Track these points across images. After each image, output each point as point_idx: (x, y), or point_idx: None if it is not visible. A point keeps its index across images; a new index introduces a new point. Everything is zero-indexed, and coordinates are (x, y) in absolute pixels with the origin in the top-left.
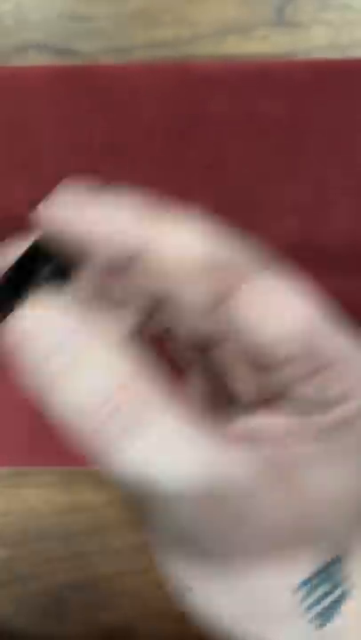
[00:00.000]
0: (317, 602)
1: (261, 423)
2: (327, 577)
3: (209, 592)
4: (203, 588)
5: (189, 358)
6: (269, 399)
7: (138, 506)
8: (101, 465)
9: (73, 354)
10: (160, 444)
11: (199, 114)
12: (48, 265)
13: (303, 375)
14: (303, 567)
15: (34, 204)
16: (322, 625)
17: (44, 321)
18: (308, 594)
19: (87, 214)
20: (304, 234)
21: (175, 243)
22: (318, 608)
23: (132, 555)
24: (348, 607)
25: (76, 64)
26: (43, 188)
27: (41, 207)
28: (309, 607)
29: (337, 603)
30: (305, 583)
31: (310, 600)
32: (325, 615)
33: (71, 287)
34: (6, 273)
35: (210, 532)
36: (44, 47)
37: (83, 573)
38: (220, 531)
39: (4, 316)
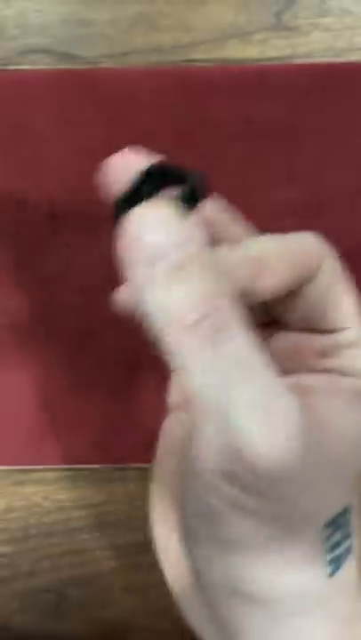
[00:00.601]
0: (334, 547)
1: (310, 378)
2: (343, 524)
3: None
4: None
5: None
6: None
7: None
8: (176, 369)
9: (184, 257)
10: (249, 352)
11: (198, 118)
12: (178, 186)
13: (344, 345)
14: (332, 506)
15: (35, 207)
16: (332, 573)
17: (167, 219)
18: (331, 535)
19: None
20: None
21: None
22: (333, 554)
23: (134, 552)
24: (350, 560)
25: (77, 68)
26: (44, 191)
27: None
28: (329, 550)
29: (346, 553)
30: (329, 524)
31: (331, 542)
32: (337, 563)
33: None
34: (140, 178)
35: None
36: (46, 51)
37: (84, 570)
38: (291, 456)
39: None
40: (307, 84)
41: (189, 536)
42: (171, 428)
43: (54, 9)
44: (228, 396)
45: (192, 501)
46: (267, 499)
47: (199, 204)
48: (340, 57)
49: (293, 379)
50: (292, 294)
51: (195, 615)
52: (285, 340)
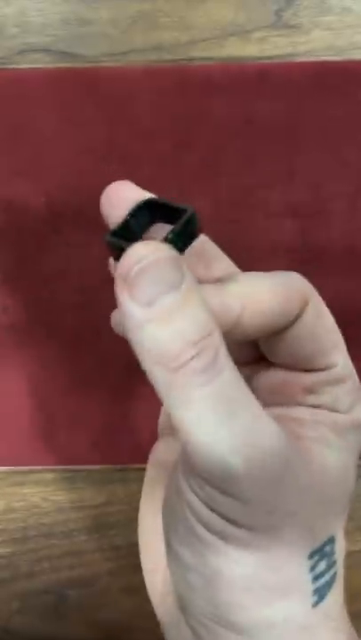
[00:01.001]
0: (318, 576)
1: (277, 411)
2: (327, 553)
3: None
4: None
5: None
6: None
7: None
8: (172, 404)
9: (176, 298)
10: (231, 390)
11: (199, 116)
12: (173, 223)
13: (330, 382)
14: (317, 536)
15: (35, 206)
16: (316, 603)
17: (160, 260)
18: (315, 565)
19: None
20: (302, 235)
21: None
22: (319, 583)
23: (133, 553)
24: (333, 590)
25: (77, 67)
26: (45, 189)
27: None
28: (314, 579)
29: (331, 582)
30: (315, 553)
31: (315, 572)
32: (321, 593)
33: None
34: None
35: (264, 487)
36: (46, 50)
37: (83, 571)
38: (263, 487)
39: (122, 251)
40: (307, 83)
41: (176, 564)
42: (160, 454)
43: (54, 8)
44: (210, 431)
45: (180, 530)
46: (252, 530)
47: (191, 243)
48: (340, 55)
49: (282, 410)
50: (278, 333)
51: (175, 634)
52: (274, 376)
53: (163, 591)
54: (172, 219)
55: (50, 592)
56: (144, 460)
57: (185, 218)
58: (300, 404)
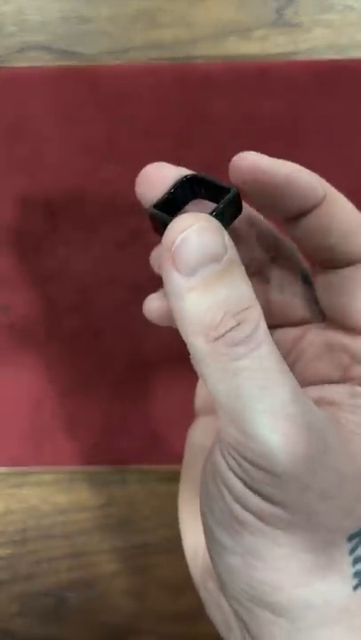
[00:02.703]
0: (359, 559)
1: (317, 392)
2: None
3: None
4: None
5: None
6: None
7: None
8: (210, 375)
9: (220, 269)
10: (269, 363)
11: (199, 115)
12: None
13: None
14: (357, 520)
15: (34, 205)
16: (356, 587)
17: (207, 231)
18: (355, 548)
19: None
20: None
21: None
22: (358, 566)
23: (133, 555)
24: None
25: (76, 65)
26: (43, 189)
27: (246, 156)
28: (354, 562)
29: None
30: (355, 536)
31: (356, 554)
32: None
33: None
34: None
35: (297, 463)
36: (45, 48)
37: (83, 573)
38: (298, 463)
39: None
40: (308, 81)
41: (214, 546)
42: (195, 437)
43: (53, 5)
44: (249, 404)
45: (217, 510)
46: (288, 508)
47: (233, 220)
48: (342, 54)
49: (321, 391)
50: (306, 214)
51: (218, 615)
52: (322, 336)
53: (203, 574)
54: (213, 196)
55: (49, 594)
56: (144, 460)
57: (229, 196)
58: (343, 380)
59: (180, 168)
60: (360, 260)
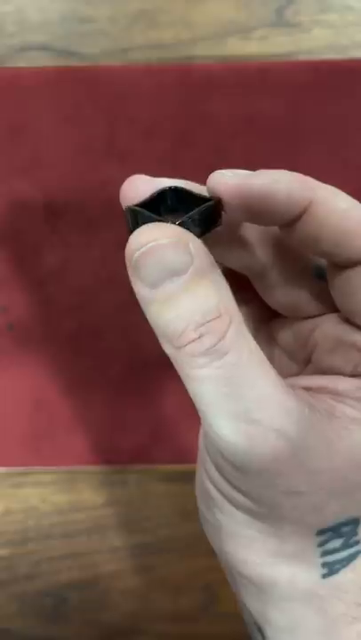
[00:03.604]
0: (329, 552)
1: (323, 381)
2: (346, 533)
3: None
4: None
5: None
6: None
7: (204, 421)
8: (181, 375)
9: (188, 278)
10: (233, 371)
11: (199, 114)
12: (196, 207)
13: None
14: (328, 516)
15: (34, 205)
16: (326, 576)
17: (167, 243)
18: (326, 542)
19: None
20: None
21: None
22: (329, 558)
23: (133, 555)
24: (353, 567)
25: (76, 65)
26: (44, 188)
27: (217, 175)
28: (322, 554)
29: (348, 560)
30: (326, 531)
31: (325, 548)
32: (333, 567)
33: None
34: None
35: (259, 463)
36: (45, 48)
37: (83, 573)
38: (260, 463)
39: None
40: (308, 81)
41: (200, 516)
42: None
43: (53, 6)
44: (212, 410)
45: (198, 484)
46: (253, 499)
47: (212, 229)
48: (342, 54)
49: (327, 381)
50: (299, 217)
51: None
52: (332, 331)
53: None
54: (189, 208)
55: (49, 594)
56: (143, 461)
57: (204, 206)
58: (354, 374)
59: (164, 180)
60: None
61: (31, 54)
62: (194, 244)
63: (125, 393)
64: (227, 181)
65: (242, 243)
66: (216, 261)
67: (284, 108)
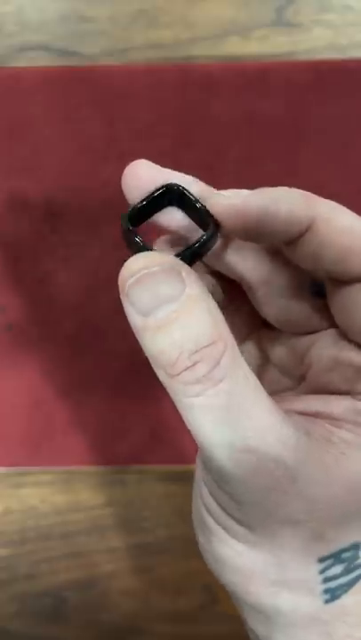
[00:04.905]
0: (331, 579)
1: (319, 405)
2: (347, 559)
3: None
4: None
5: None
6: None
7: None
8: (175, 402)
9: (179, 306)
10: (228, 399)
11: (199, 115)
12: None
13: None
14: (329, 543)
15: (33, 205)
16: (328, 601)
17: (160, 270)
18: (326, 568)
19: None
20: None
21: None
22: (330, 584)
23: (132, 555)
24: (355, 590)
25: (76, 65)
26: (44, 188)
27: (216, 198)
28: (324, 581)
29: (350, 583)
30: (327, 558)
31: (326, 575)
32: (335, 593)
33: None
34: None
35: (257, 493)
36: (45, 48)
37: (82, 573)
38: (256, 493)
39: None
40: (308, 81)
41: (199, 545)
42: None
43: (53, 5)
44: (206, 439)
45: (195, 513)
46: (251, 529)
47: (205, 254)
48: (341, 54)
49: (324, 404)
50: (300, 237)
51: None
52: (328, 348)
53: None
54: (191, 211)
55: (48, 594)
56: (142, 461)
57: (203, 238)
58: (350, 393)
59: (162, 170)
60: None
61: (31, 54)
62: (186, 271)
63: (124, 393)
64: (226, 203)
65: (238, 254)
66: (208, 265)
67: (284, 108)
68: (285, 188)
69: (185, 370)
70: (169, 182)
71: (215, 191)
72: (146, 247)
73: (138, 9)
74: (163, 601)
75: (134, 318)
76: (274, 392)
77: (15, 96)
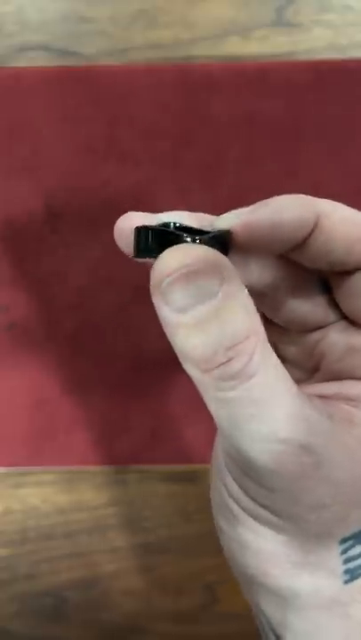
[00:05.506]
0: (351, 559)
1: (335, 388)
2: None
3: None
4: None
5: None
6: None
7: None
8: (205, 398)
9: (216, 303)
10: (261, 392)
11: (199, 114)
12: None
13: None
14: (351, 524)
15: (33, 206)
16: (347, 582)
17: (196, 268)
18: (348, 549)
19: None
20: None
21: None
22: (350, 565)
23: (134, 555)
24: None
25: (76, 65)
26: (43, 189)
27: (222, 221)
28: (345, 561)
29: None
30: (348, 539)
31: (347, 555)
32: (354, 573)
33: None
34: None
35: (285, 480)
36: (45, 48)
37: (83, 573)
38: (286, 481)
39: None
40: (308, 81)
41: (218, 530)
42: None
43: (53, 5)
44: (241, 431)
45: (217, 500)
46: (277, 514)
47: (229, 250)
48: (341, 54)
49: (342, 386)
50: (307, 238)
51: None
52: (341, 338)
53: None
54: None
55: (49, 594)
56: (143, 461)
57: (222, 229)
58: None
59: (158, 215)
60: None
61: (31, 54)
62: (225, 265)
63: (126, 393)
64: (234, 223)
65: (245, 265)
66: None
67: (284, 108)
68: (283, 196)
69: (220, 365)
70: (163, 222)
71: (208, 216)
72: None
73: (138, 9)
74: (164, 601)
75: (169, 315)
76: None
77: (15, 96)
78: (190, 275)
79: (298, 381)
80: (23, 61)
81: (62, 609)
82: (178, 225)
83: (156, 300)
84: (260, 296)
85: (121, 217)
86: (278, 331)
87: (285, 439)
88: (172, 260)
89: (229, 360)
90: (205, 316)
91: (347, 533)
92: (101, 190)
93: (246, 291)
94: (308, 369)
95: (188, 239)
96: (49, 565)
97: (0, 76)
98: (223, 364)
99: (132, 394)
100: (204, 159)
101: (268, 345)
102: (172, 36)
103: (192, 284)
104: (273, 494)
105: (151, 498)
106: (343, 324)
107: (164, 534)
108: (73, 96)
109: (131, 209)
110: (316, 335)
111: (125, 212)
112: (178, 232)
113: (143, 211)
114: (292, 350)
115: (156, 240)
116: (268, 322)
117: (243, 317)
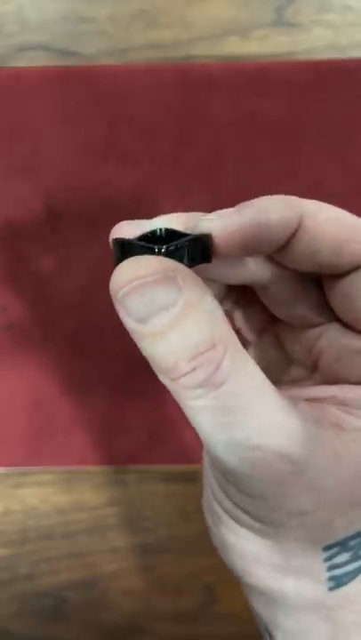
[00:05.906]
0: (336, 566)
1: (330, 392)
2: (354, 546)
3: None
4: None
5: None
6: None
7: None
8: (179, 403)
9: (176, 311)
10: (231, 400)
11: (199, 114)
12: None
13: None
14: (335, 532)
15: (33, 205)
16: (333, 588)
17: (152, 280)
18: (333, 556)
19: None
20: None
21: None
22: (336, 572)
23: (133, 555)
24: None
25: (76, 65)
26: (43, 189)
27: (205, 223)
28: (329, 568)
29: (353, 573)
30: (333, 546)
31: (332, 562)
32: (340, 580)
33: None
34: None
35: (264, 487)
36: (45, 48)
37: (83, 573)
38: (264, 487)
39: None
40: (308, 81)
41: (209, 529)
42: None
43: (53, 5)
44: (212, 439)
45: (205, 500)
46: (258, 519)
47: (200, 262)
48: (341, 53)
49: (337, 390)
50: (294, 237)
51: None
52: (336, 339)
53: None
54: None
55: (49, 594)
56: (143, 461)
57: (193, 235)
58: (359, 381)
59: (150, 222)
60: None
61: (31, 54)
62: (182, 275)
63: (125, 393)
64: (215, 225)
65: (240, 264)
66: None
67: (284, 108)
68: (267, 197)
69: (185, 374)
70: (150, 230)
71: (194, 215)
72: (140, 246)
73: (138, 9)
74: (164, 601)
75: (131, 325)
76: (290, 382)
77: (15, 96)
78: (145, 285)
79: (300, 380)
80: (23, 61)
81: (62, 609)
82: (165, 230)
83: (118, 309)
84: (262, 290)
85: (114, 227)
86: (284, 327)
87: (259, 446)
88: (126, 271)
89: (194, 369)
90: (165, 326)
91: (331, 540)
92: (101, 190)
93: (211, 298)
94: (308, 367)
95: (156, 249)
96: (48, 565)
97: (0, 75)
98: (188, 372)
99: (132, 394)
100: (204, 159)
101: (243, 351)
102: (172, 36)
103: (147, 296)
104: (253, 500)
105: (150, 498)
106: (340, 324)
107: (163, 534)
108: (73, 96)
109: (131, 209)
110: (315, 332)
111: (125, 211)
112: (142, 243)
113: (143, 211)
114: (293, 344)
115: (130, 251)
116: (275, 317)
117: (205, 326)
